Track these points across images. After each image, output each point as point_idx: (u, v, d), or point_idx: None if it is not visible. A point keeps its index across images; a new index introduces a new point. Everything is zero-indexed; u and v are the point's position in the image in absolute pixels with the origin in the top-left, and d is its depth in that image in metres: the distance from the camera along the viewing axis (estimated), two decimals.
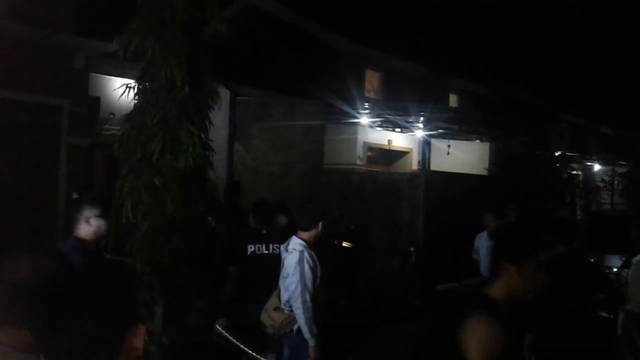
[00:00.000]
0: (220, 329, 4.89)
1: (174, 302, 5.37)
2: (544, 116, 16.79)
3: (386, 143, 15.22)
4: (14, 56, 7.58)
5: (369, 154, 14.72)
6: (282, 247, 5.06)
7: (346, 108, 11.97)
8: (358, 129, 13.76)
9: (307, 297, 4.71)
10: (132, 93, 5.44)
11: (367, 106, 12.65)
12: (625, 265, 6.94)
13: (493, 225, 8.49)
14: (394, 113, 12.79)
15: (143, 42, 5.14)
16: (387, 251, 10.78)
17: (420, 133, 14.12)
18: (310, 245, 4.88)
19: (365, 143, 14.31)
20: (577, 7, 20.96)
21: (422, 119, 12.98)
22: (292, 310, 4.80)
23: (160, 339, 5.14)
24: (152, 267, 5.13)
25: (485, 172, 14.99)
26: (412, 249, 10.62)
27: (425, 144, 14.40)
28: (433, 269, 10.52)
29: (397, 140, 15.47)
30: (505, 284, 2.65)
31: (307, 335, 4.74)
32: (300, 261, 4.74)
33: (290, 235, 5.04)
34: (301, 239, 4.90)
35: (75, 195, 7.75)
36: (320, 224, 4.97)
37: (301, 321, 4.73)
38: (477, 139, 15.94)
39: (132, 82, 5.46)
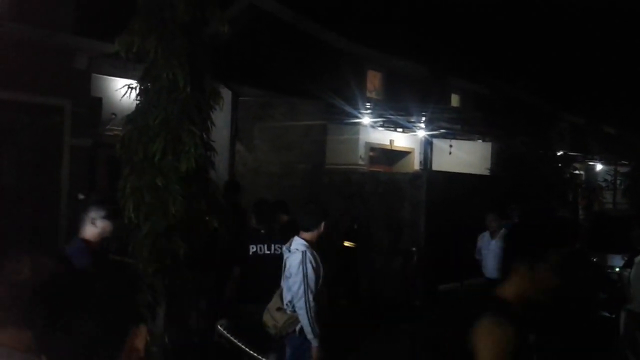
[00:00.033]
0: (221, 329, 4.87)
1: (175, 303, 5.38)
2: (544, 116, 16.74)
3: (388, 143, 15.21)
4: (16, 57, 7.59)
5: (371, 154, 14.71)
6: (284, 248, 5.04)
7: (348, 108, 11.96)
8: (360, 129, 13.75)
9: (310, 298, 4.70)
10: (134, 94, 5.45)
11: (368, 106, 12.63)
12: (628, 265, 6.93)
13: (495, 225, 8.50)
14: (395, 113, 12.78)
15: (145, 43, 5.15)
16: (388, 251, 10.76)
17: (422, 133, 14.11)
18: (312, 245, 4.87)
19: (367, 143, 14.30)
20: (577, 7, 20.94)
21: (423, 119, 12.96)
22: (294, 311, 4.78)
23: (162, 339, 5.15)
24: (154, 267, 5.14)
25: (487, 172, 14.98)
26: (413, 249, 10.58)
27: (427, 144, 14.38)
28: (435, 269, 10.49)
29: (399, 140, 15.46)
30: (516, 284, 2.64)
31: (310, 336, 4.73)
32: (303, 262, 4.73)
33: (292, 236, 5.03)
34: (303, 239, 4.89)
35: (80, 196, 7.75)
36: (323, 224, 4.96)
37: (304, 322, 4.72)
38: (479, 139, 15.92)
39: (134, 82, 5.47)
